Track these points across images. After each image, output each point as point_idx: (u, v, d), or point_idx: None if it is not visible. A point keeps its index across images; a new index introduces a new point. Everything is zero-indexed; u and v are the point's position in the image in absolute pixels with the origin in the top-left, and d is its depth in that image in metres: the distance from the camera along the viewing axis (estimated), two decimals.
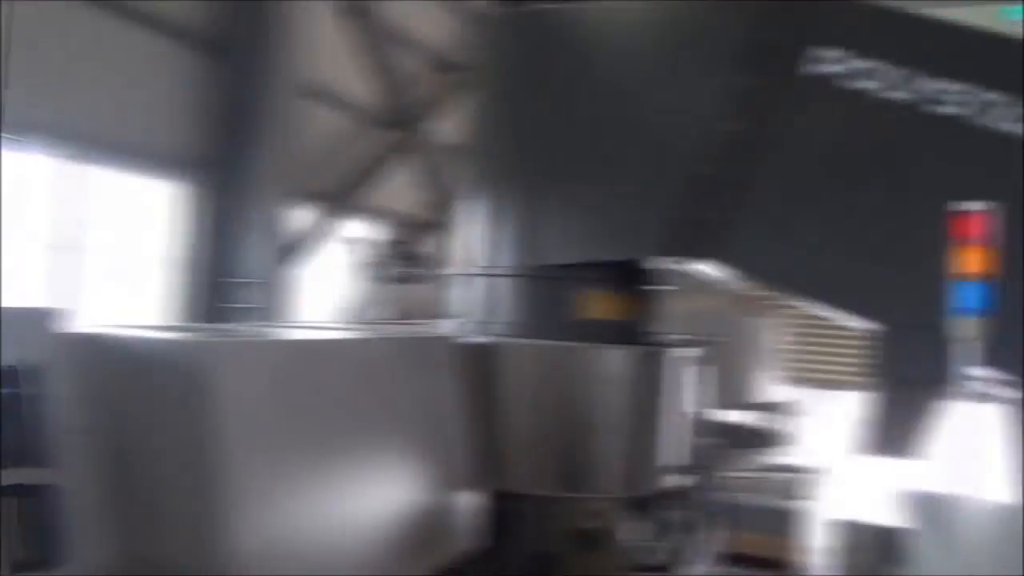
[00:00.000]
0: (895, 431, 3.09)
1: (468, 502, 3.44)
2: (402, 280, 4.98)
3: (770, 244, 3.42)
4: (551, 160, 3.94)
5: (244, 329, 3.01)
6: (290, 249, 8.77)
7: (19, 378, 1.99)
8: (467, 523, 3.42)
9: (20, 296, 6.50)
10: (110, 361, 2.24)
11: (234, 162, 8.15)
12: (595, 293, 3.92)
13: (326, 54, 10.12)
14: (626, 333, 3.95)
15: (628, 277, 4.00)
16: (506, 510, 3.80)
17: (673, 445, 3.92)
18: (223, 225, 8.26)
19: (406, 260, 4.90)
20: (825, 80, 3.30)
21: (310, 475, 2.46)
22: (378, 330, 4.20)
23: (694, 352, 4.20)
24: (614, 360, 3.76)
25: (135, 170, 8.08)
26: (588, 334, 3.82)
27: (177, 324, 6.40)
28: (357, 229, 10.94)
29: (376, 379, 2.94)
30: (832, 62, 3.30)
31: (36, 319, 2.08)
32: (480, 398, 3.63)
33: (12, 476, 1.90)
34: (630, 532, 3.56)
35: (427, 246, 4.81)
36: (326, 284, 10.37)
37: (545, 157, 3.96)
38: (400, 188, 11.82)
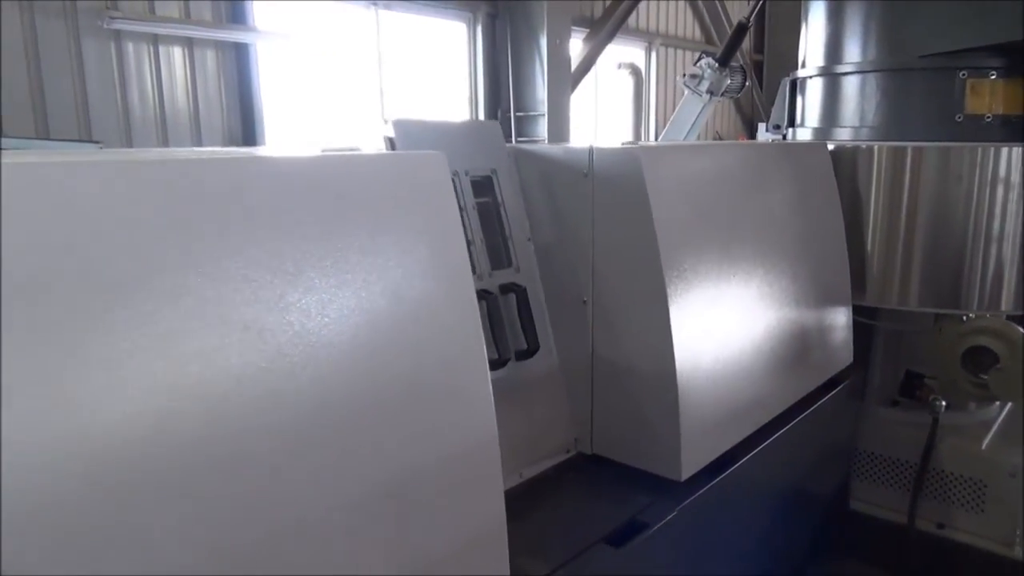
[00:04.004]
0: None
1: (843, 316, 3.32)
2: (724, 92, 4.68)
3: None
4: None
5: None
6: (571, 77, 8.68)
7: (491, 187, 2.11)
8: (841, 339, 3.32)
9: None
10: (551, 169, 2.32)
11: None
12: (981, 83, 3.41)
13: None
14: (1019, 129, 3.44)
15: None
16: (878, 327, 3.65)
17: None
18: (508, 58, 8.33)
19: (727, 72, 4.57)
20: None
21: (721, 274, 2.45)
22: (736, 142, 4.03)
23: None
24: (1006, 160, 3.29)
25: (429, 12, 8.30)
26: (974, 131, 3.38)
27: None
28: (628, 53, 10.59)
29: (767, 185, 2.82)
30: None
31: (492, 132, 2.18)
32: (853, 207, 3.41)
33: (502, 276, 2.06)
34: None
35: (742, 56, 4.45)
36: (607, 110, 10.29)
37: None
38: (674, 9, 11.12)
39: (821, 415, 3.09)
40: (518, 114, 8.39)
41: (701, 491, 2.28)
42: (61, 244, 1.00)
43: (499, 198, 2.13)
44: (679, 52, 12.34)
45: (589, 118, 10.60)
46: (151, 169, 1.12)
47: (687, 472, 2.23)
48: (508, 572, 1.61)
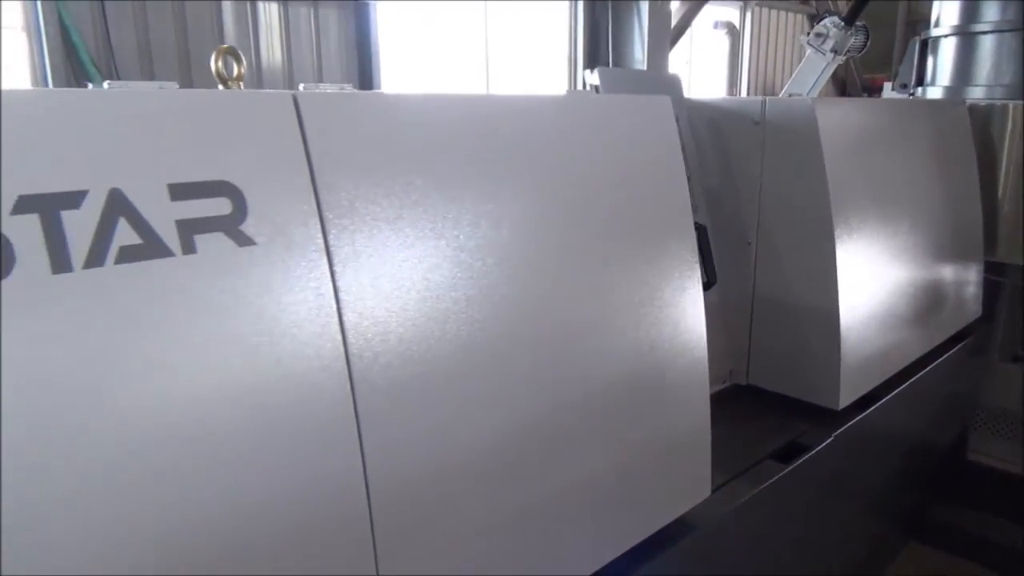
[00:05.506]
0: None
1: (975, 271, 3.41)
2: (847, 51, 4.71)
3: None
4: None
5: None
6: (668, 38, 8.69)
7: None
8: (972, 293, 3.41)
9: None
10: (722, 118, 2.49)
11: None
12: None
13: None
14: None
15: None
16: (1005, 283, 3.71)
17: None
18: (608, 17, 8.40)
19: (852, 31, 4.60)
20: None
21: (876, 223, 2.58)
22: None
23: None
24: None
25: None
26: None
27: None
28: (723, 12, 10.49)
29: (913, 140, 2.93)
30: None
31: (674, 83, 2.35)
32: (985, 164, 3.47)
33: None
34: None
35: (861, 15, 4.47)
36: (699, 69, 10.28)
37: None
38: None
39: (951, 365, 3.21)
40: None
41: (853, 421, 2.46)
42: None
43: (681, 144, 2.30)
44: (773, 12, 12.13)
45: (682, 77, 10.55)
46: (480, 104, 1.36)
47: (844, 402, 2.41)
48: (709, 464, 1.85)
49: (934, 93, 4.01)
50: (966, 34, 3.82)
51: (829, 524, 2.65)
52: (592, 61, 8.78)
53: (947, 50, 3.95)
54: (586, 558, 1.58)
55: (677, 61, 10.21)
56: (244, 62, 1.83)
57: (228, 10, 5.78)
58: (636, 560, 1.71)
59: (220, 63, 1.78)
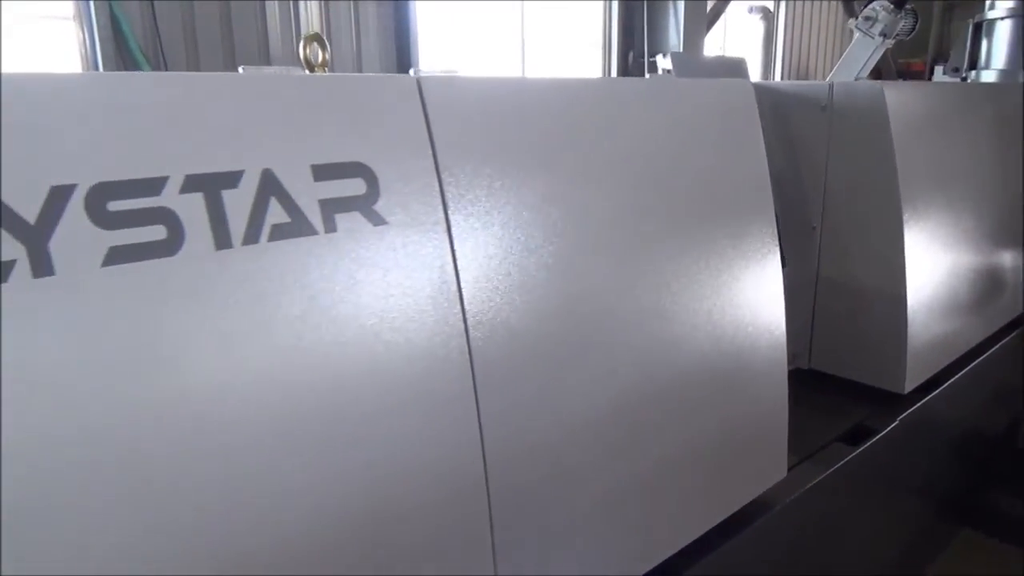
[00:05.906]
0: None
1: None
2: (896, 34, 4.65)
3: None
4: None
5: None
6: (703, 26, 8.63)
7: None
8: None
9: None
10: (786, 102, 2.49)
11: None
12: None
13: None
14: None
15: None
16: None
17: None
18: (643, 3, 8.37)
19: (902, 14, 4.54)
20: None
21: (940, 208, 2.57)
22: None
23: None
24: None
25: None
26: None
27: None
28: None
29: (975, 125, 2.90)
30: None
31: (740, 66, 2.36)
32: None
33: None
34: None
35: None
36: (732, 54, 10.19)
37: None
38: None
39: (1007, 352, 3.19)
40: (651, 59, 8.42)
41: (917, 405, 2.46)
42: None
43: None
44: None
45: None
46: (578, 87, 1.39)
47: (910, 386, 2.41)
48: (786, 444, 1.86)
49: (988, 76, 3.97)
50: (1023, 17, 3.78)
51: (889, 507, 2.66)
52: (625, 46, 8.75)
53: (1003, 33, 3.91)
54: (672, 536, 1.61)
55: (711, 47, 10.14)
56: (328, 49, 1.87)
57: (272, 8, 5.85)
58: (715, 539, 1.73)
59: (308, 51, 1.82)
